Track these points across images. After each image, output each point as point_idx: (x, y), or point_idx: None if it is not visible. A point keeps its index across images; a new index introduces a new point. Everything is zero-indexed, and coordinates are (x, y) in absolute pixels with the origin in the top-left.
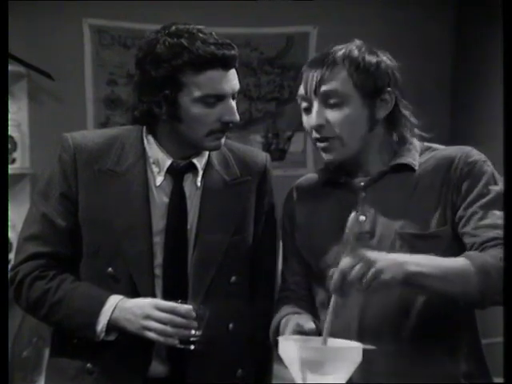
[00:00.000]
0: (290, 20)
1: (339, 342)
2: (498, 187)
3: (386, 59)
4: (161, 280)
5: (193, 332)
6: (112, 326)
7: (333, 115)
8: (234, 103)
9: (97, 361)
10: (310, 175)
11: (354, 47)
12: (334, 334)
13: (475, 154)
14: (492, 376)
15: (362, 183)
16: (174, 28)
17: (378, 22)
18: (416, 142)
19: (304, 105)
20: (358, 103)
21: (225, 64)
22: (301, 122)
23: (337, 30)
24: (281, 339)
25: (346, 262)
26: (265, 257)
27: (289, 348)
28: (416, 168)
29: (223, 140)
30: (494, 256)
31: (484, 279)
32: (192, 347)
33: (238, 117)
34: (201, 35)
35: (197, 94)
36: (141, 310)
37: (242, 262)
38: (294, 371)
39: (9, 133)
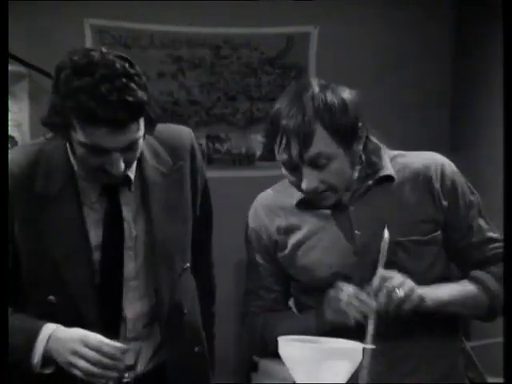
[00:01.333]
0: (290, 20)
1: (339, 341)
2: (477, 196)
3: (347, 95)
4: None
5: (122, 373)
6: (47, 357)
7: (323, 176)
8: (120, 156)
9: None
10: (270, 193)
11: (321, 93)
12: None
13: (448, 164)
14: (492, 376)
15: (346, 198)
16: (86, 60)
17: (378, 22)
18: (384, 153)
19: (288, 166)
20: (342, 156)
21: (112, 124)
22: None
23: (337, 30)
24: (281, 340)
25: (393, 281)
26: (204, 238)
27: (289, 348)
28: (395, 177)
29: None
30: (498, 277)
31: (493, 302)
32: None
33: (120, 170)
34: (102, 87)
35: (81, 139)
36: (70, 343)
37: (189, 246)
38: (294, 371)
39: (10, 133)
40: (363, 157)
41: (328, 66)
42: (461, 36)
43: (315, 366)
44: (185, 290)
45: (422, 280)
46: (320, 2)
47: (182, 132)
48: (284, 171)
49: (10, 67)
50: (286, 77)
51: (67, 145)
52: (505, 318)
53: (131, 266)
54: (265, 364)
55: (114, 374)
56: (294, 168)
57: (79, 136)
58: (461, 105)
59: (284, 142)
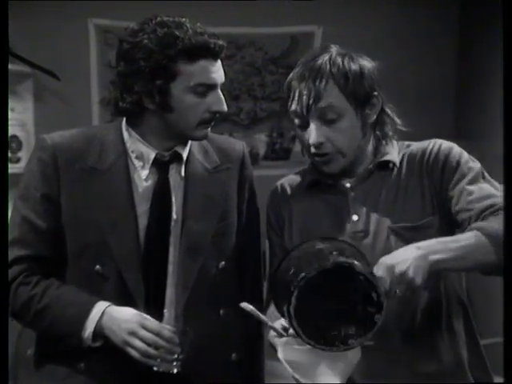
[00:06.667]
0: (294, 20)
1: None
2: (478, 164)
3: (366, 63)
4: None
5: (175, 356)
6: (98, 333)
7: (331, 132)
8: (221, 94)
9: (88, 360)
10: (292, 176)
11: (338, 57)
12: None
13: (444, 143)
14: (492, 375)
15: (349, 184)
16: (159, 19)
17: (381, 21)
18: (394, 141)
19: (298, 121)
20: (353, 115)
21: (215, 54)
22: None
23: (341, 30)
24: (279, 342)
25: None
26: (249, 242)
27: (288, 351)
28: (397, 165)
29: (209, 130)
30: (497, 222)
31: (498, 245)
32: (174, 371)
33: (226, 107)
34: (189, 25)
35: (190, 83)
36: (126, 324)
37: (229, 247)
38: (295, 372)
39: (14, 132)
40: (377, 129)
41: None
42: (462, 35)
43: (314, 367)
44: (222, 292)
45: None
46: (324, 2)
47: (235, 141)
48: (297, 131)
49: (15, 67)
50: None
51: (123, 125)
52: (505, 318)
53: (171, 249)
54: (271, 364)
55: (170, 357)
56: (304, 123)
57: (186, 80)
58: (462, 104)
59: (296, 94)
